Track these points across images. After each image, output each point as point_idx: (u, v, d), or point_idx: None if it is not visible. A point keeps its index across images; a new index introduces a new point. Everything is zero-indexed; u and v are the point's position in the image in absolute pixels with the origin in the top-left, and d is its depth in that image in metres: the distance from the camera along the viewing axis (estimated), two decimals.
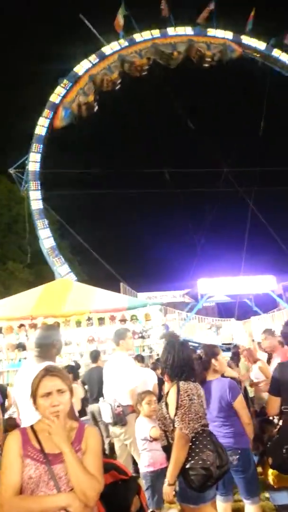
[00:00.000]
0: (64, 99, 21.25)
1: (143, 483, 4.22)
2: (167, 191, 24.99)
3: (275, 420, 3.37)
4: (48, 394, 2.03)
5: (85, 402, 6.67)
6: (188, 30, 23.64)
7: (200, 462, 2.81)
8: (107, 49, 22.40)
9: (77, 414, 3.97)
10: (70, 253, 26.19)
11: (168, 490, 2.88)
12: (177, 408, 2.91)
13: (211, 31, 23.57)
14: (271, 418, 3.52)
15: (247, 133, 26.29)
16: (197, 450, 2.86)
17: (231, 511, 3.66)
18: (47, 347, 3.38)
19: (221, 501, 3.60)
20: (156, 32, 23.27)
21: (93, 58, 22.12)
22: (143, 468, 4.22)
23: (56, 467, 1.95)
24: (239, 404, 3.63)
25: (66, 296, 9.35)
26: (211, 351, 3.78)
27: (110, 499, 2.51)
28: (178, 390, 2.96)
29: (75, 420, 2.31)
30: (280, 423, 3.26)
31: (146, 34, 23.17)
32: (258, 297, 22.88)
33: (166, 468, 4.00)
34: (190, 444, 2.88)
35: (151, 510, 3.73)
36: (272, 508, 3.93)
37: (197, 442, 2.89)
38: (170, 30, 23.38)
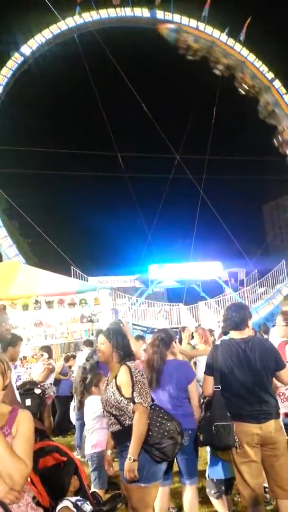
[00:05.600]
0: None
1: (89, 464, 4.28)
2: (118, 175, 24.85)
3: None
4: None
5: None
6: (145, 12, 23.28)
7: (165, 433, 2.99)
8: (62, 25, 21.63)
9: None
10: (19, 235, 25.48)
11: (133, 466, 2.90)
12: (133, 385, 3.01)
13: (168, 15, 23.35)
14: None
15: (199, 121, 26.61)
16: (158, 424, 3.02)
17: (169, 494, 3.86)
18: None
19: (161, 485, 3.73)
20: (112, 11, 22.74)
21: (47, 33, 21.31)
22: (90, 449, 4.28)
23: None
24: (193, 386, 3.85)
25: (13, 278, 9.12)
26: (172, 334, 4.04)
27: (51, 481, 2.56)
28: (130, 369, 3.08)
29: (14, 404, 2.30)
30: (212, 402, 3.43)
31: (103, 13, 22.61)
32: (206, 283, 23.53)
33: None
34: (148, 420, 3.02)
35: (92, 490, 3.82)
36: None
37: (154, 417, 3.05)
38: (127, 11, 22.94)
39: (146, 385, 3.10)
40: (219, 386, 3.33)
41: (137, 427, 2.94)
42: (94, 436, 4.26)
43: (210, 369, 3.45)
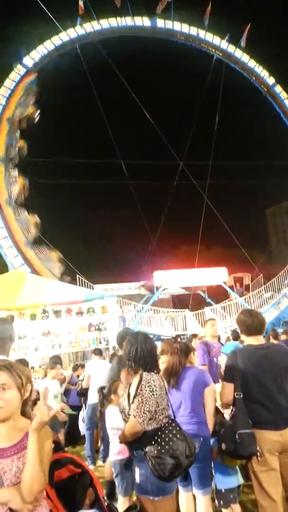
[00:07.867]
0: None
1: (112, 470, 4.27)
2: (121, 182, 24.95)
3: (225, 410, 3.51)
4: None
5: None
6: (145, 21, 23.48)
7: (170, 451, 2.82)
8: (64, 36, 21.83)
9: None
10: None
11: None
12: (134, 396, 2.90)
13: (169, 24, 23.55)
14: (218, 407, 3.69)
15: (203, 127, 26.70)
16: (166, 439, 2.87)
17: (192, 500, 3.76)
18: (3, 341, 3.28)
19: (183, 491, 3.75)
20: (113, 21, 22.96)
21: (49, 44, 21.52)
22: (113, 456, 4.27)
23: (1, 462, 1.94)
24: (210, 391, 3.81)
25: (20, 288, 9.10)
26: (191, 347, 4.17)
27: (67, 493, 2.51)
28: (140, 381, 2.95)
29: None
30: (233, 409, 3.36)
31: (104, 23, 22.82)
32: (211, 289, 23.43)
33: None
34: (159, 433, 2.89)
35: (108, 502, 3.75)
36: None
37: (166, 432, 2.90)
38: (128, 20, 23.14)
39: (150, 402, 2.89)
40: (241, 393, 3.25)
41: (124, 431, 2.94)
42: (117, 444, 4.22)
43: (230, 376, 3.34)
